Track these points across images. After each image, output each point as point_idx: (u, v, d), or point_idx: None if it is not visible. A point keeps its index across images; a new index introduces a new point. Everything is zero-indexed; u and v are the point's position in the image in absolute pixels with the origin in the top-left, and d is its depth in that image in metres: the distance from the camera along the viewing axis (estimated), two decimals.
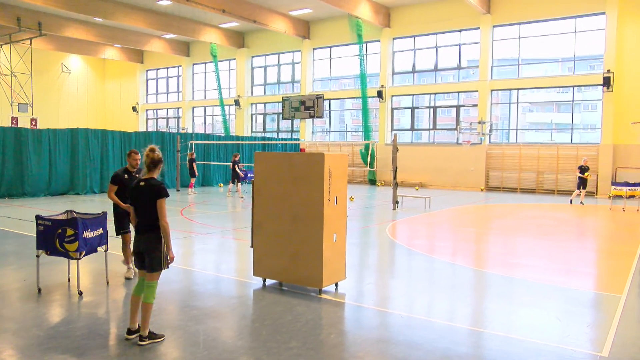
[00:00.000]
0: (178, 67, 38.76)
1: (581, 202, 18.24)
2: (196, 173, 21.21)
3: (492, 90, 25.32)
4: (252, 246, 6.86)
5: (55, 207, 14.69)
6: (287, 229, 6.47)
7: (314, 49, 31.13)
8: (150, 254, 4.79)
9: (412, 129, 28.25)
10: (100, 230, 6.50)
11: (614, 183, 18.53)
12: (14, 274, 7.38)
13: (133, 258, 5.33)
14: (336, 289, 6.61)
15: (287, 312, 5.69)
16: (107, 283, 6.75)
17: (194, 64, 37.69)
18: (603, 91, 22.13)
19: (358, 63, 28.10)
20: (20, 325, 5.19)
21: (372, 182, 28.39)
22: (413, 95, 28.03)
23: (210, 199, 19.21)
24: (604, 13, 22.09)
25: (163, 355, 4.56)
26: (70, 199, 17.93)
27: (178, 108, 39.23)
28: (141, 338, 4.71)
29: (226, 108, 34.81)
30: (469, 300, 6.54)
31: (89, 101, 42.08)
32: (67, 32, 30.36)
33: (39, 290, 6.35)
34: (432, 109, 27.65)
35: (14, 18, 27.49)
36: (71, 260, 6.46)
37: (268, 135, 33.96)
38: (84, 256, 6.19)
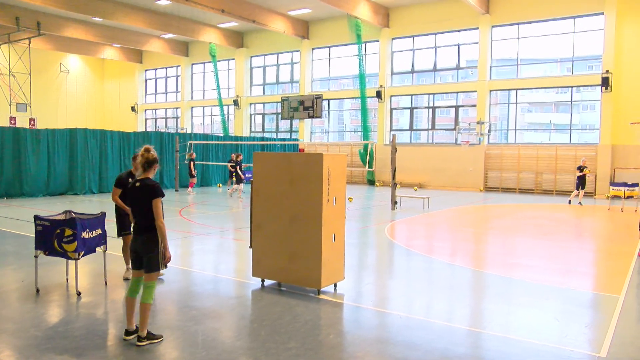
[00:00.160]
0: (177, 67, 38.74)
1: (579, 203, 18.26)
2: (192, 173, 21.14)
3: (490, 91, 25.34)
4: (250, 246, 6.85)
5: (53, 207, 14.67)
6: (286, 230, 6.47)
7: (313, 49, 31.14)
8: (148, 254, 4.78)
9: (411, 129, 28.26)
10: (99, 231, 6.49)
11: (612, 183, 18.55)
12: (12, 274, 7.37)
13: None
14: (335, 289, 6.61)
15: (286, 312, 5.69)
16: (106, 284, 6.74)
17: (192, 64, 37.68)
18: (601, 91, 22.16)
19: (357, 63, 28.12)
20: (19, 326, 5.18)
21: (371, 182, 28.40)
22: (412, 95, 28.05)
23: (209, 199, 19.20)
24: (602, 13, 22.12)
25: (162, 355, 4.56)
26: (68, 199, 17.91)
27: (177, 108, 39.21)
28: (139, 339, 4.71)
29: (225, 108, 34.81)
30: (467, 300, 6.54)
31: (87, 101, 42.04)
32: (65, 32, 30.32)
33: (37, 290, 6.34)
34: (431, 109, 27.66)
35: (12, 17, 27.45)
36: (69, 261, 6.44)
37: (267, 135, 33.95)
38: (82, 256, 6.18)
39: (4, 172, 17.70)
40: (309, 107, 29.11)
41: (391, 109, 28.71)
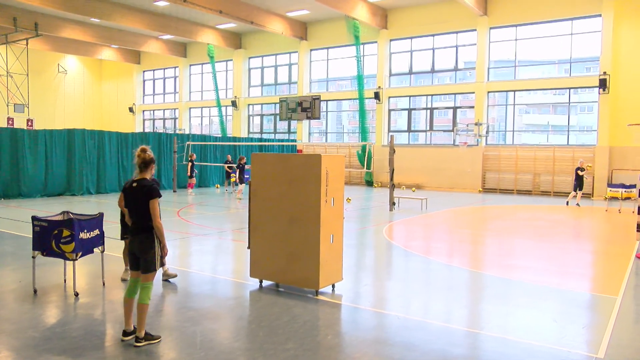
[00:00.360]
0: (175, 67, 38.72)
1: (577, 204, 18.30)
2: (189, 174, 21.14)
3: (488, 92, 25.39)
4: (249, 247, 6.85)
5: (51, 208, 14.65)
6: (284, 230, 6.47)
7: (311, 50, 31.16)
8: (145, 255, 4.78)
9: (409, 130, 28.30)
10: (97, 232, 6.48)
11: (610, 185, 18.57)
12: (9, 275, 7.35)
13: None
14: (333, 290, 6.61)
15: (284, 313, 5.69)
16: (104, 284, 6.73)
17: (190, 65, 37.66)
18: (599, 93, 22.21)
19: (355, 64, 28.14)
20: (16, 327, 5.17)
21: (369, 183, 28.42)
22: (410, 96, 28.09)
23: (208, 200, 19.19)
24: (600, 15, 22.18)
25: (159, 356, 4.55)
26: (66, 200, 17.88)
27: (175, 109, 39.18)
28: (137, 339, 4.70)
29: (223, 109, 34.80)
30: (465, 301, 6.55)
31: (85, 102, 41.98)
32: (63, 33, 30.29)
33: (35, 291, 6.32)
34: (429, 111, 27.70)
35: (10, 18, 27.42)
36: (67, 262, 6.43)
37: (265, 136, 33.95)
38: (80, 257, 6.17)
39: (2, 172, 17.64)
40: (307, 108, 29.07)
41: (389, 110, 28.74)
